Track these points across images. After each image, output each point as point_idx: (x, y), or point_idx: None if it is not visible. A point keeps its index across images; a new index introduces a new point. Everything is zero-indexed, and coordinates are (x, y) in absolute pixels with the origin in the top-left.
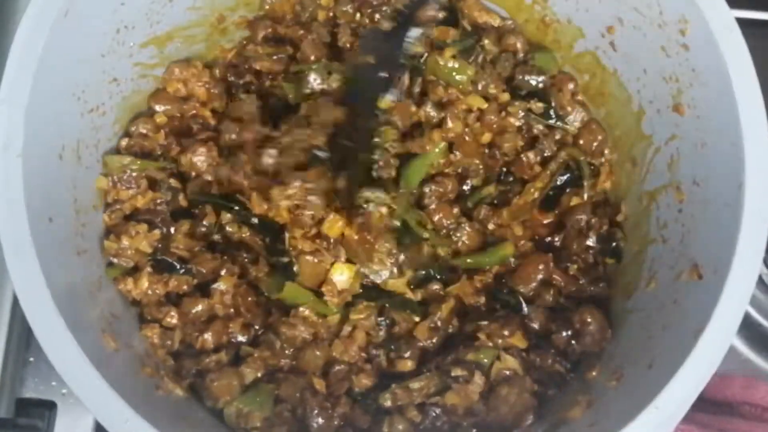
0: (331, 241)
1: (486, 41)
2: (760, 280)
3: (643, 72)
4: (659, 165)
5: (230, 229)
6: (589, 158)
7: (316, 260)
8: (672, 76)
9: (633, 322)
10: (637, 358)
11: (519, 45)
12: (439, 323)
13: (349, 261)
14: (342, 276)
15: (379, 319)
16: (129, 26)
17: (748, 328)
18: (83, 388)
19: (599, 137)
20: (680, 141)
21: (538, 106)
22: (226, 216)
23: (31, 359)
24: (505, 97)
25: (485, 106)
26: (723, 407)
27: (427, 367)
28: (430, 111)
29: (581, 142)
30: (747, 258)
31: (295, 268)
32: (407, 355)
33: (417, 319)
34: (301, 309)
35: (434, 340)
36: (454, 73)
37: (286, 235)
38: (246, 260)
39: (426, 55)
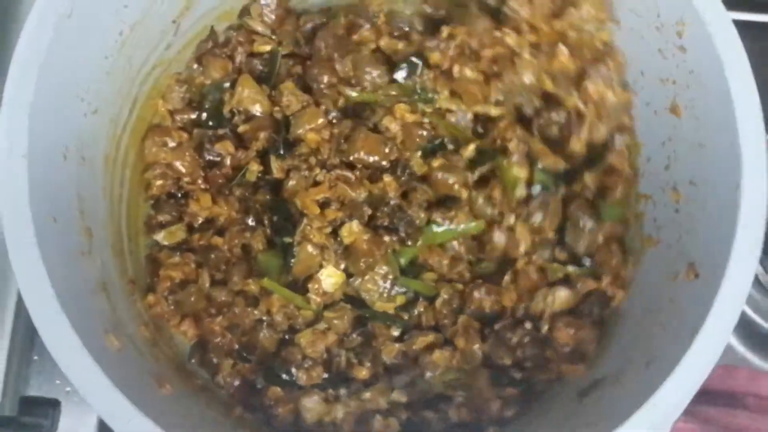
0: (342, 244)
1: None
2: (756, 279)
3: (640, 74)
4: (656, 165)
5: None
6: None
7: (315, 252)
8: (669, 78)
9: (630, 321)
10: (635, 357)
11: None
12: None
13: (345, 271)
14: (330, 279)
15: (360, 329)
16: (132, 28)
17: (744, 327)
18: (87, 386)
19: None
20: (677, 142)
21: None
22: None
23: (36, 358)
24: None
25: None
26: (727, 399)
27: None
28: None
29: None
30: (743, 257)
31: (294, 251)
32: (367, 364)
33: (396, 334)
34: (276, 296)
35: (399, 360)
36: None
37: (304, 221)
38: (248, 227)
39: None
